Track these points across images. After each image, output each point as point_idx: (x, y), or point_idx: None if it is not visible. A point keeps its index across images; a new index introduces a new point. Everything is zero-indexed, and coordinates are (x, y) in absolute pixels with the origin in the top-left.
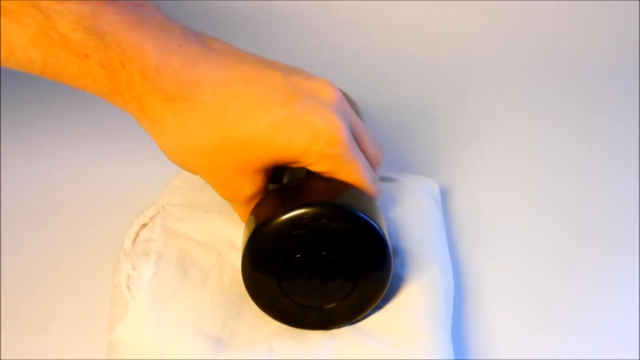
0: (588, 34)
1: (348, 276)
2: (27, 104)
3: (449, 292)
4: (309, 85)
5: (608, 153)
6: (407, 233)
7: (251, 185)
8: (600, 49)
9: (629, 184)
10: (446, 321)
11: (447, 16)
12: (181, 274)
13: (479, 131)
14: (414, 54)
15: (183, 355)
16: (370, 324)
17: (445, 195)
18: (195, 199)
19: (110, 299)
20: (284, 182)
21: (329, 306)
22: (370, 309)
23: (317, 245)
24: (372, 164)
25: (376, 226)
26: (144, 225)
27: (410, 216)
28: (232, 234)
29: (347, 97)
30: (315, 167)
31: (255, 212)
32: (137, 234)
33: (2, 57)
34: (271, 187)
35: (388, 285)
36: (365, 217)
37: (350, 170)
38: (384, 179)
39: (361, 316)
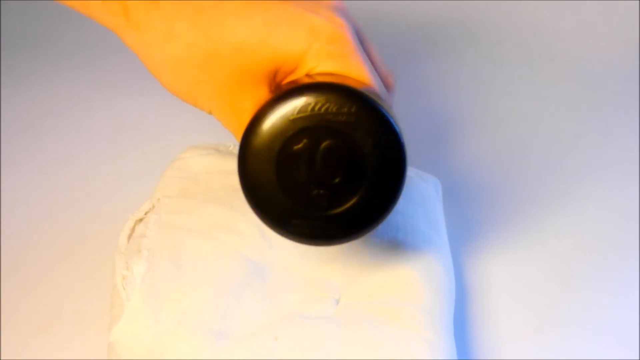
0: (588, 34)
1: (355, 172)
2: (26, 103)
3: (452, 292)
4: None
5: (609, 153)
6: (413, 227)
7: (255, 101)
8: (600, 49)
9: (630, 183)
10: (450, 321)
11: (447, 16)
12: (176, 268)
13: (480, 130)
14: (414, 54)
15: (183, 353)
16: (377, 313)
17: (445, 195)
18: (190, 188)
19: (110, 299)
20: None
21: (334, 211)
22: (384, 216)
23: (319, 132)
24: (384, 85)
25: (383, 108)
26: (140, 220)
27: (416, 210)
28: (231, 218)
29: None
30: (318, 70)
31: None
32: (133, 230)
33: None
34: None
35: (402, 189)
36: (371, 98)
37: (357, 75)
38: None
39: (371, 228)
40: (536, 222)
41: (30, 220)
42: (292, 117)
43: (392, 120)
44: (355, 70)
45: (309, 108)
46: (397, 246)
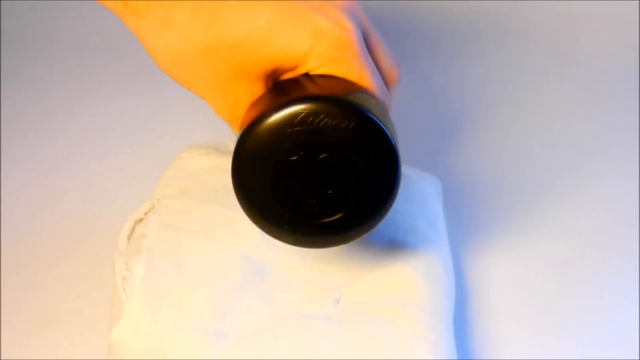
0: (589, 34)
1: (347, 185)
2: (26, 103)
3: (452, 291)
4: None
5: (611, 152)
6: (413, 226)
7: (250, 96)
8: (601, 49)
9: (631, 183)
10: (450, 320)
11: (447, 16)
12: (176, 268)
13: (480, 130)
14: (414, 53)
15: (183, 353)
16: (377, 313)
17: (445, 194)
18: (190, 187)
19: (110, 299)
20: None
21: (327, 219)
22: (371, 228)
23: (316, 146)
24: (386, 80)
25: (383, 126)
26: (140, 220)
27: (416, 210)
28: (230, 218)
29: None
30: (319, 72)
31: (248, 112)
32: (133, 231)
33: None
34: None
35: (391, 205)
36: (371, 115)
37: (358, 79)
38: None
39: (362, 235)
40: (536, 222)
41: (30, 220)
42: (289, 130)
43: (390, 137)
44: (356, 75)
45: (308, 120)
46: (397, 246)
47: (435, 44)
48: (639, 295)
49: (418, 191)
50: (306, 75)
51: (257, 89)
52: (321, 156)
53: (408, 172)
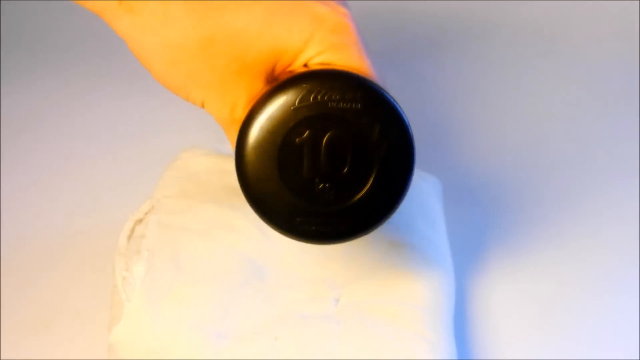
0: (590, 34)
1: (362, 161)
2: (26, 103)
3: (452, 291)
4: None
5: (612, 153)
6: (412, 226)
7: (250, 96)
8: (602, 49)
9: (633, 183)
10: (450, 320)
11: (447, 16)
12: (176, 268)
13: (480, 130)
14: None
15: (183, 353)
16: (377, 313)
17: (446, 194)
18: (190, 188)
19: (110, 299)
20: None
21: (342, 205)
22: (394, 209)
23: (322, 122)
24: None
25: (389, 95)
26: (140, 220)
27: (416, 210)
28: (231, 218)
29: None
30: (318, 61)
31: (246, 111)
32: (132, 231)
33: None
34: None
35: (412, 176)
36: (377, 86)
37: (358, 67)
38: None
39: (383, 220)
40: (536, 222)
41: (30, 220)
42: (292, 107)
43: (398, 106)
44: (356, 62)
45: (311, 97)
46: (397, 246)
47: (435, 44)
48: (639, 295)
49: (418, 191)
50: (304, 67)
51: (257, 88)
52: (329, 133)
53: None
